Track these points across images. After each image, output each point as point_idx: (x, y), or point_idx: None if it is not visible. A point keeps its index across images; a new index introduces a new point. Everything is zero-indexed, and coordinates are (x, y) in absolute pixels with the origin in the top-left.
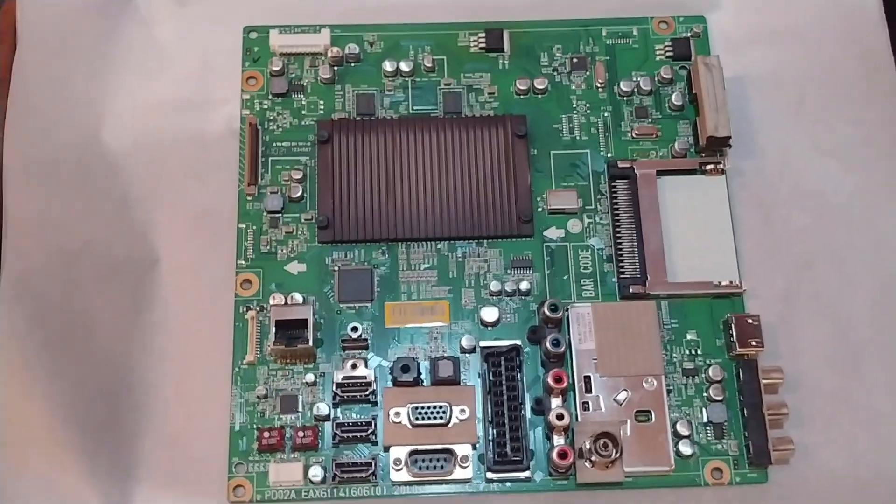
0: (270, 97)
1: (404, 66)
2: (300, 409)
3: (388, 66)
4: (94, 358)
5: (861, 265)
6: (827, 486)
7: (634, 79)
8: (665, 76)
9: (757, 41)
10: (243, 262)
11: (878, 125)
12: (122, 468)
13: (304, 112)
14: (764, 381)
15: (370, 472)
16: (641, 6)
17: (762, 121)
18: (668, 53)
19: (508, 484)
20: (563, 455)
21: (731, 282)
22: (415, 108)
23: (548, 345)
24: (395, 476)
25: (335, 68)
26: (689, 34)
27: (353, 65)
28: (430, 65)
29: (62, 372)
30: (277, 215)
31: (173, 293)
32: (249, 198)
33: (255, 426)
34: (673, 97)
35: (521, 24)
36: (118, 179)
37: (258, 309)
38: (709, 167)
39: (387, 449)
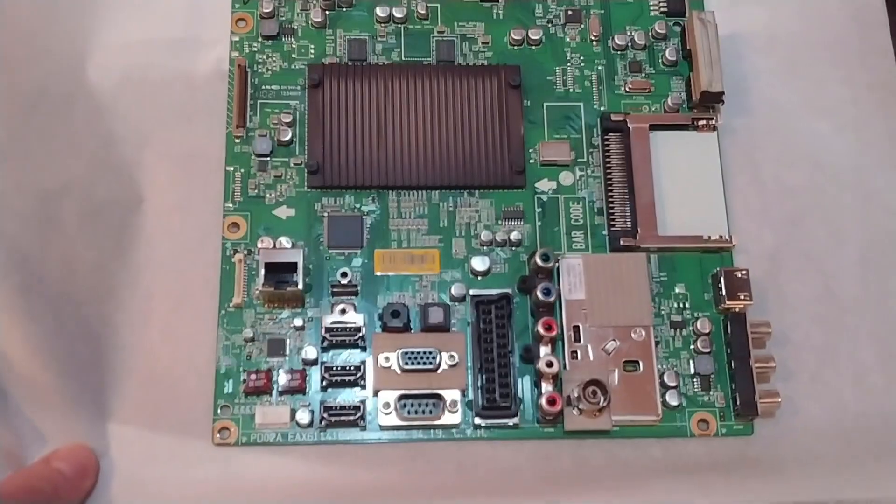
0: (260, 39)
1: (397, 13)
2: (287, 352)
3: (381, 11)
4: (76, 300)
5: (849, 223)
6: (811, 438)
7: (629, 33)
8: (659, 31)
9: None
10: (231, 205)
11: (871, 86)
12: (105, 409)
13: (294, 56)
14: (752, 335)
15: (358, 415)
16: None
17: (755, 79)
18: (662, 9)
19: (496, 430)
20: (551, 402)
21: (720, 236)
22: (407, 55)
23: (538, 293)
24: (384, 420)
25: (327, 13)
26: None
27: (345, 9)
28: (423, 12)
29: (41, 314)
30: (266, 159)
31: (159, 234)
32: (237, 140)
33: (241, 369)
34: (667, 52)
35: None
36: (103, 117)
37: (246, 252)
38: (701, 123)
39: (376, 393)
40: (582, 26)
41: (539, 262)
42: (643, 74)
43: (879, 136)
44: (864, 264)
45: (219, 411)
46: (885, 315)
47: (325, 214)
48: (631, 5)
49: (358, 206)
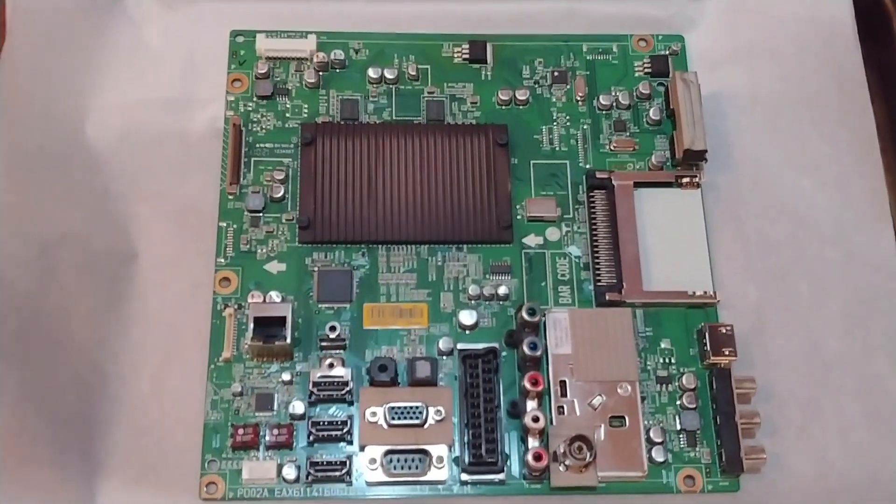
0: (255, 99)
1: (388, 74)
2: (275, 407)
3: (373, 72)
4: (69, 348)
5: (833, 278)
6: (797, 495)
7: (613, 93)
8: (643, 91)
9: (733, 60)
10: (223, 259)
11: (851, 142)
12: (92, 460)
13: (287, 115)
14: (737, 391)
15: (344, 471)
16: (621, 24)
17: (738, 137)
18: (646, 70)
19: (483, 486)
20: (537, 457)
21: (705, 292)
22: (398, 114)
23: (525, 348)
24: (370, 476)
25: (320, 73)
26: (667, 52)
27: (338, 70)
28: (414, 73)
29: (35, 361)
30: (258, 215)
31: (151, 288)
32: (231, 197)
33: (229, 423)
34: (651, 112)
35: (504, 37)
36: (100, 173)
37: (236, 307)
38: (685, 180)
39: (362, 448)
40: (568, 87)
41: (525, 316)
42: (628, 133)
43: (861, 192)
44: (848, 320)
45: (206, 466)
46: (869, 371)
47: (316, 269)
48: (616, 66)
49: (348, 260)
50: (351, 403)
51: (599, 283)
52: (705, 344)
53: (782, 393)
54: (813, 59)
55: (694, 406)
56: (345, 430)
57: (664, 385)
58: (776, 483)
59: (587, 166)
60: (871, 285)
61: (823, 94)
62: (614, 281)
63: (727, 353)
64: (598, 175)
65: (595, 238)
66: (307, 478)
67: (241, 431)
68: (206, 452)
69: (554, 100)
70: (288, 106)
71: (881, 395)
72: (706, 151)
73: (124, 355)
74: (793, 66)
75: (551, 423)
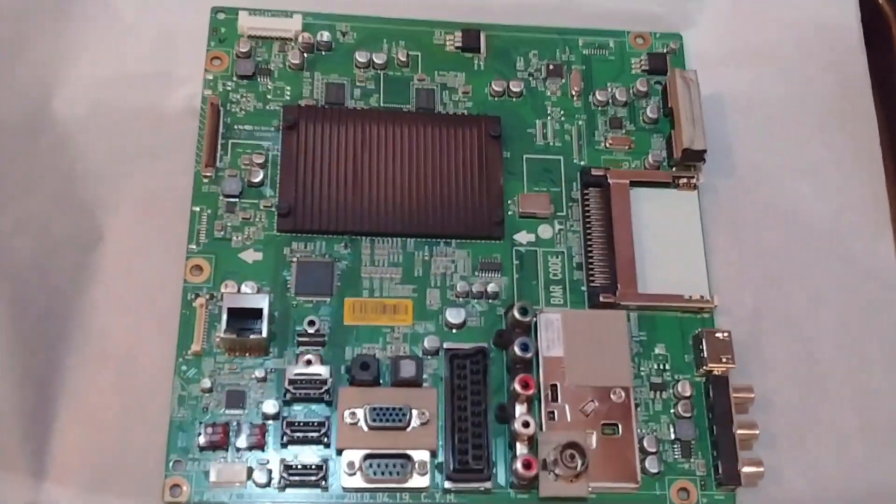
0: (235, 79)
1: (377, 59)
2: (247, 405)
3: (361, 57)
4: (24, 341)
5: (829, 287)
6: None
7: (610, 89)
8: (640, 89)
9: (732, 60)
10: (195, 246)
11: (852, 149)
12: (49, 460)
13: (269, 96)
14: (735, 400)
15: (320, 475)
16: (618, 20)
17: (736, 139)
18: (643, 67)
19: (467, 496)
20: (527, 465)
21: (701, 296)
22: (386, 101)
23: (516, 349)
24: (347, 482)
25: (305, 55)
26: (664, 50)
27: (323, 53)
28: (403, 59)
29: None
30: (234, 200)
31: (117, 275)
32: (206, 180)
33: (197, 421)
34: (648, 110)
35: (498, 27)
36: (66, 151)
37: (208, 297)
38: (682, 181)
39: (340, 452)
40: (563, 81)
41: (517, 315)
42: (624, 131)
43: (861, 201)
44: (844, 330)
45: (171, 467)
46: (865, 383)
47: (295, 259)
48: (612, 62)
49: (329, 251)
50: (329, 403)
51: (593, 284)
52: (702, 350)
53: (778, 403)
54: (816, 64)
55: (689, 415)
56: (321, 432)
57: (658, 392)
58: (773, 498)
59: (582, 163)
60: (869, 294)
61: (826, 99)
62: (608, 282)
63: (725, 360)
64: (594, 172)
65: (589, 237)
66: (280, 482)
67: (209, 430)
68: (172, 452)
69: (548, 93)
70: (269, 87)
71: (878, 407)
72: (705, 151)
73: (85, 348)
74: (795, 70)
75: (541, 428)
